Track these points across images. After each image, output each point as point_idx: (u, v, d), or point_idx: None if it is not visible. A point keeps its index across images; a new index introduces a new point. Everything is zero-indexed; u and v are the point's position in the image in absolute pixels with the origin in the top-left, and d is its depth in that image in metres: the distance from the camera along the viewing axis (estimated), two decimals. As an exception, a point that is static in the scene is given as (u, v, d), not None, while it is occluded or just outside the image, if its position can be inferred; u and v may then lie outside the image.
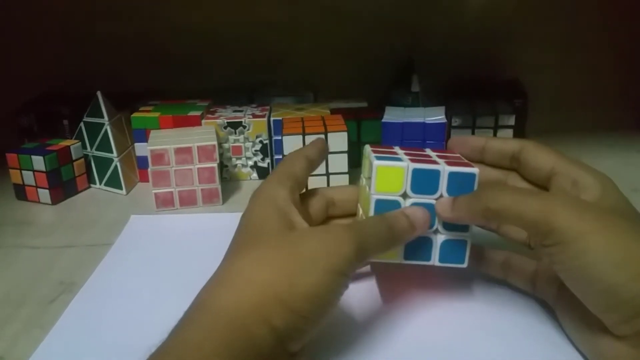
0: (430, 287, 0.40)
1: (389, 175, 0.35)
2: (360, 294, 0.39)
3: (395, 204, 0.35)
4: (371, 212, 0.35)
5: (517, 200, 0.31)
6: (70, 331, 0.37)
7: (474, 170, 0.35)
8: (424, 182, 0.35)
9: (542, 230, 0.30)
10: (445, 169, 0.35)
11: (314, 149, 0.39)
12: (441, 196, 0.35)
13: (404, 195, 0.35)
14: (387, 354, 0.34)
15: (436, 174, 0.35)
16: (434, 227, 0.36)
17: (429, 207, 0.35)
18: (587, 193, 0.33)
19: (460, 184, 0.35)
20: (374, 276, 0.42)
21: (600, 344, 0.30)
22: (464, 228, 0.36)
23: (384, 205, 0.35)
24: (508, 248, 0.39)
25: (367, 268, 0.42)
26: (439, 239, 0.36)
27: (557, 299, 0.35)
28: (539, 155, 0.36)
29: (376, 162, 0.35)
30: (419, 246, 0.36)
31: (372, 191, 0.35)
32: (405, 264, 0.36)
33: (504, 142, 0.38)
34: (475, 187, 0.35)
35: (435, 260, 0.36)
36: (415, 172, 0.35)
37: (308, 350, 0.31)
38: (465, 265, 0.36)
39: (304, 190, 0.39)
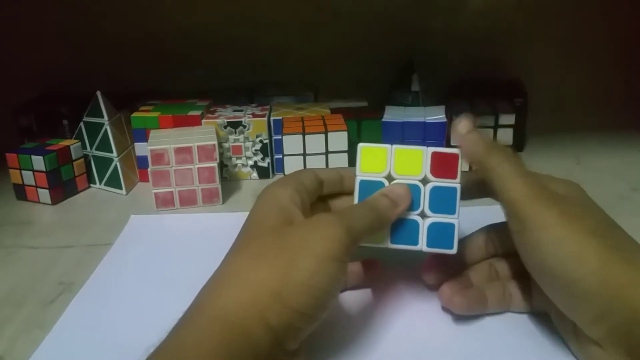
0: (429, 288, 0.40)
1: (373, 155, 0.36)
2: (359, 294, 0.39)
3: (379, 185, 0.36)
4: (356, 194, 0.36)
5: (508, 174, 0.32)
6: (70, 331, 0.37)
7: (457, 150, 0.36)
8: (407, 162, 0.36)
9: (512, 212, 0.31)
10: (428, 150, 0.36)
11: (330, 171, 0.39)
12: (425, 178, 0.36)
13: (389, 177, 0.36)
14: (385, 354, 0.34)
15: (419, 152, 0.36)
16: (420, 210, 0.36)
17: (414, 189, 0.36)
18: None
19: (444, 165, 0.36)
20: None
21: (590, 351, 0.30)
22: (451, 210, 0.35)
23: (368, 187, 0.36)
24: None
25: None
26: (426, 222, 0.36)
27: (550, 307, 0.35)
28: None
29: (360, 144, 0.36)
30: (406, 230, 0.36)
31: (356, 172, 0.36)
32: (392, 248, 0.36)
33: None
34: (459, 168, 0.36)
35: (423, 245, 0.35)
36: (399, 152, 0.36)
37: (306, 349, 0.31)
38: (454, 250, 0.35)
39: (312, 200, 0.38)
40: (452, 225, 0.35)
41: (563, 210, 0.30)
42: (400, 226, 0.36)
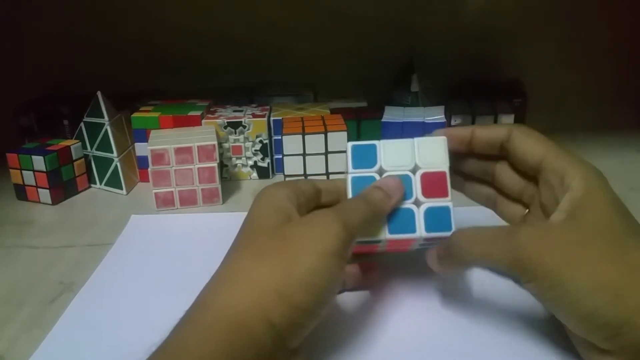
0: (429, 288, 0.40)
1: (362, 152, 0.37)
2: (357, 295, 0.39)
3: (371, 180, 0.36)
4: (349, 190, 0.36)
5: (488, 248, 0.32)
6: (70, 331, 0.37)
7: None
8: (396, 154, 0.36)
9: (517, 272, 0.31)
10: (415, 139, 0.36)
11: (329, 183, 0.39)
12: (416, 166, 0.36)
13: (380, 172, 0.36)
14: (386, 353, 0.34)
15: (407, 144, 0.36)
16: (413, 198, 0.36)
17: (406, 179, 0.36)
18: (571, 193, 0.32)
19: (431, 150, 0.36)
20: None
21: (595, 355, 0.30)
22: (443, 193, 0.36)
23: (360, 182, 0.36)
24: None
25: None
26: (422, 208, 0.36)
27: None
28: (528, 145, 0.35)
29: (349, 142, 0.37)
30: (402, 219, 0.36)
31: (348, 170, 0.36)
32: (390, 238, 0.35)
33: (492, 130, 0.37)
34: (447, 154, 0.36)
35: (422, 231, 0.35)
36: (387, 146, 0.37)
37: (306, 349, 0.31)
38: (453, 230, 0.35)
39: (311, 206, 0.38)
40: (447, 208, 0.36)
41: (567, 245, 0.30)
42: (396, 217, 0.36)
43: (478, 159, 0.39)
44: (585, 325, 0.29)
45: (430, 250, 0.36)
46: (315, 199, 0.37)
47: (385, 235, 0.36)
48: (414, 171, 0.36)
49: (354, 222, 0.32)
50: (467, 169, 0.40)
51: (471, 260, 0.34)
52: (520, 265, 0.30)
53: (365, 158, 0.37)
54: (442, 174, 0.36)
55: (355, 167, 0.37)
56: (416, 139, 0.37)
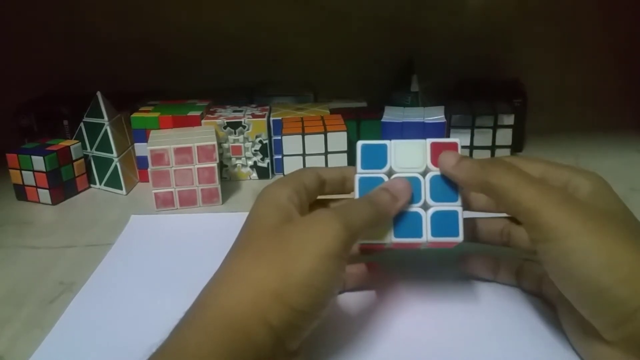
0: (430, 288, 0.40)
1: (373, 152, 0.36)
2: (358, 296, 0.39)
3: (379, 181, 0.35)
4: (356, 191, 0.36)
5: (518, 184, 0.31)
6: (70, 331, 0.37)
7: (456, 140, 0.36)
8: (407, 156, 0.36)
9: (532, 222, 0.30)
10: (427, 141, 0.36)
11: (333, 170, 0.38)
12: (426, 169, 0.36)
13: (389, 173, 0.36)
14: (386, 354, 0.34)
15: (419, 146, 0.36)
16: (421, 202, 0.35)
17: (415, 181, 0.35)
18: (578, 194, 0.32)
19: None
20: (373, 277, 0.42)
21: (594, 348, 0.30)
22: (453, 197, 0.35)
23: (368, 183, 0.35)
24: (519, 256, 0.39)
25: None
26: (429, 212, 0.35)
27: (558, 300, 0.35)
28: (527, 167, 0.35)
29: (360, 142, 0.36)
30: (408, 223, 0.35)
31: (357, 170, 0.36)
32: (395, 242, 0.35)
33: None
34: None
35: (428, 235, 0.35)
36: (398, 147, 0.36)
37: (306, 350, 0.31)
38: (460, 238, 0.35)
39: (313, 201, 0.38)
40: (455, 213, 0.35)
41: (588, 215, 0.29)
42: (403, 220, 0.35)
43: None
44: (594, 303, 0.28)
45: (449, 152, 0.35)
46: (319, 191, 0.37)
47: (391, 239, 0.35)
48: (424, 174, 0.36)
49: (356, 224, 0.32)
50: (478, 206, 0.39)
51: (495, 185, 0.32)
52: (539, 218, 0.30)
53: (375, 158, 0.36)
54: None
55: (364, 167, 0.36)
56: (429, 140, 0.36)
